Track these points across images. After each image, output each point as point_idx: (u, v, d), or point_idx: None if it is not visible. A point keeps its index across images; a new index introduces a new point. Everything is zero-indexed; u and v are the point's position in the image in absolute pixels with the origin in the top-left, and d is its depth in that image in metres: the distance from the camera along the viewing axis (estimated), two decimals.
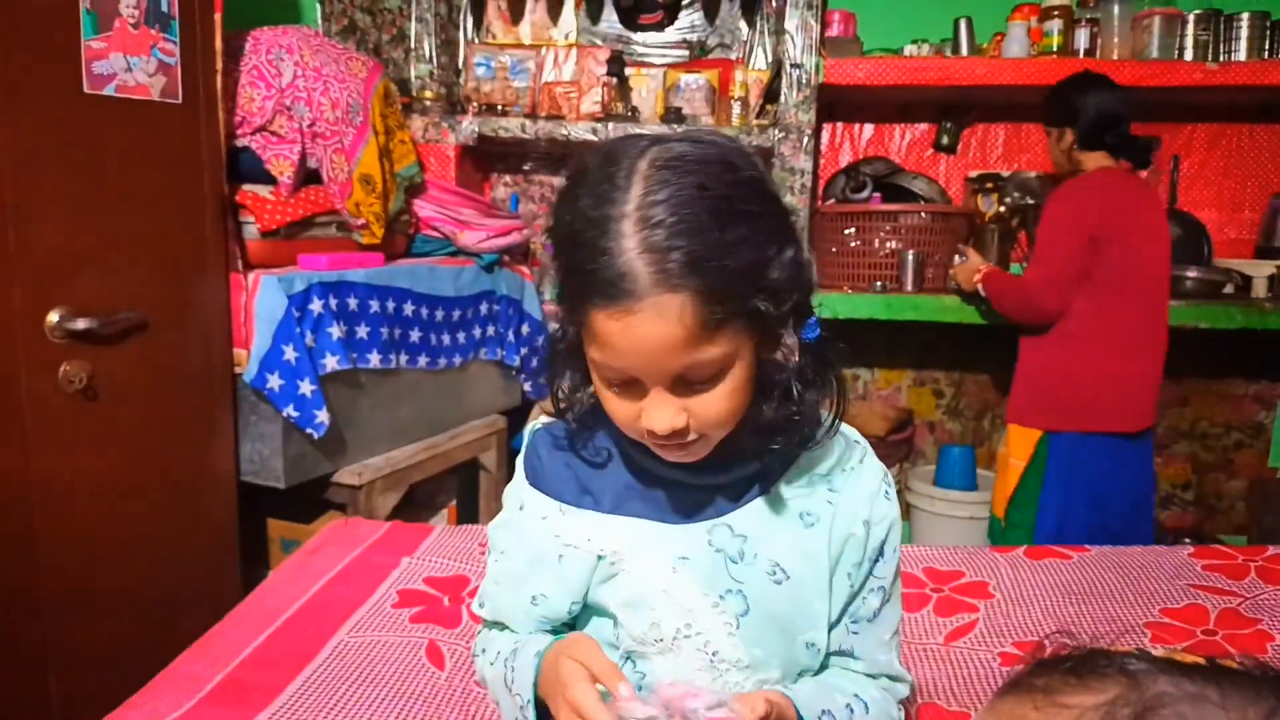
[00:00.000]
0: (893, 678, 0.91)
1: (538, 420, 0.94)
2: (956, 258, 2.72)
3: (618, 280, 0.70)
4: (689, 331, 0.71)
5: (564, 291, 0.77)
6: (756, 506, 0.84)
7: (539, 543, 0.86)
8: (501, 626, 0.93)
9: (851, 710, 0.85)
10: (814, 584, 0.84)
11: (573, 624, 0.90)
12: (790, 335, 0.78)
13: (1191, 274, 2.87)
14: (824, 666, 0.87)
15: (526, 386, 2.94)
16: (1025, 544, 2.18)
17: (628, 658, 0.85)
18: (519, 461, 0.92)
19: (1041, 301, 2.33)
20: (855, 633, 0.87)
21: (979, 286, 2.51)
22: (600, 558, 0.83)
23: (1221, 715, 0.41)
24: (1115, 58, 2.89)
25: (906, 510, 3.25)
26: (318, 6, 2.82)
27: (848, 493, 0.86)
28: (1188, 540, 2.90)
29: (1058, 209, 2.33)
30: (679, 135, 0.76)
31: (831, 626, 0.85)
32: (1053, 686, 0.46)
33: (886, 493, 0.88)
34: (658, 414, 0.74)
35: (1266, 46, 2.89)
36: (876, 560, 0.87)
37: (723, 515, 0.84)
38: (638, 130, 2.89)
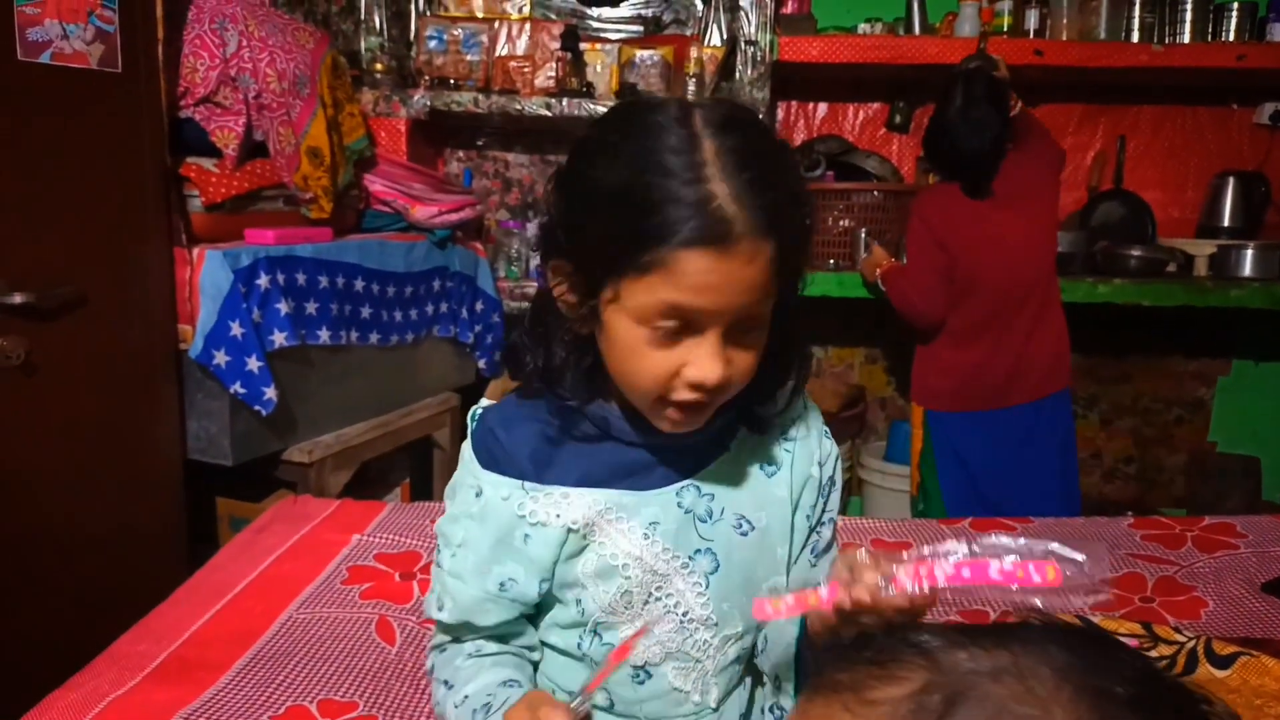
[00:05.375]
0: None
1: (479, 404, 0.90)
2: (863, 249, 2.81)
3: (716, 221, 0.70)
4: (767, 279, 0.73)
5: (602, 244, 0.73)
6: (720, 464, 0.85)
7: (503, 525, 0.83)
8: (466, 630, 0.88)
9: None
10: (778, 530, 0.86)
11: (539, 607, 0.87)
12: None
13: (1135, 253, 2.93)
14: None
15: (481, 364, 2.92)
16: (937, 512, 2.39)
17: (594, 631, 0.85)
18: (465, 449, 0.88)
19: (916, 304, 2.47)
20: (815, 564, 0.91)
21: (879, 281, 2.62)
22: (571, 531, 0.82)
23: (1020, 687, 0.41)
24: (1064, 38, 2.93)
25: (858, 485, 3.29)
26: None
27: (801, 438, 0.89)
28: (1129, 512, 2.98)
29: (913, 219, 2.49)
30: (696, 100, 0.77)
31: (789, 567, 0.88)
32: (858, 682, 0.45)
33: (826, 432, 0.92)
34: (711, 363, 0.74)
35: (1209, 29, 2.94)
36: (829, 495, 0.91)
37: (690, 476, 0.84)
38: (593, 106, 2.90)
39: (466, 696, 0.85)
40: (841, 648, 0.48)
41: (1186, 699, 0.44)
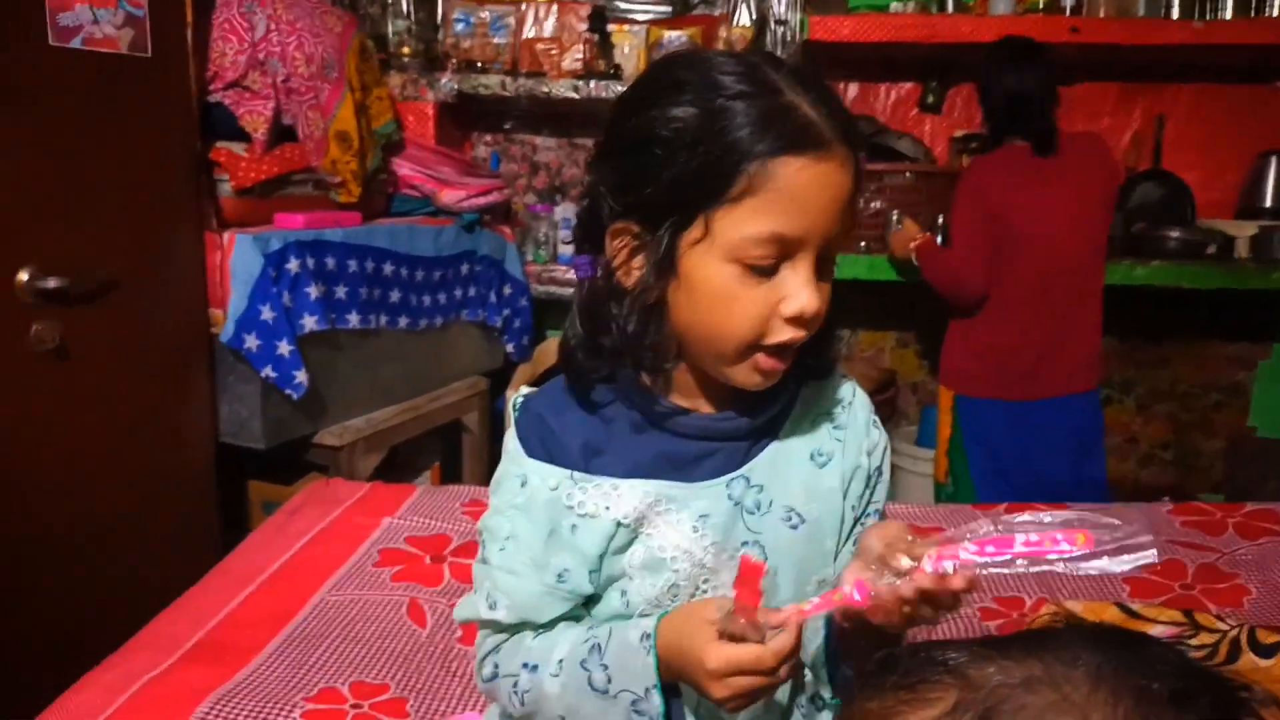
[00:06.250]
0: None
1: (519, 392, 0.88)
2: (893, 224, 2.74)
3: (806, 125, 0.70)
4: (852, 196, 0.73)
5: (684, 182, 0.71)
6: (769, 454, 0.83)
7: (552, 515, 0.80)
8: (524, 628, 0.83)
9: None
10: (829, 523, 0.84)
11: (590, 598, 0.83)
12: None
13: (1174, 234, 2.87)
14: None
15: (509, 347, 2.92)
16: (967, 497, 2.32)
17: None
18: (510, 440, 0.84)
19: (966, 276, 2.38)
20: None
21: (912, 255, 2.54)
22: (620, 524, 0.79)
23: (1055, 695, 0.40)
24: (1101, 15, 2.86)
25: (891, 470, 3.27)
26: None
27: (852, 428, 0.87)
28: (1167, 498, 2.93)
29: (962, 187, 2.41)
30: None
31: (836, 560, 0.86)
32: (888, 709, 0.43)
33: (876, 421, 0.90)
34: (810, 292, 0.73)
35: (1253, 5, 2.86)
36: (876, 485, 0.89)
37: (739, 468, 0.82)
38: (621, 88, 2.87)
39: (562, 660, 0.80)
40: (866, 674, 0.46)
41: (1224, 688, 0.43)
